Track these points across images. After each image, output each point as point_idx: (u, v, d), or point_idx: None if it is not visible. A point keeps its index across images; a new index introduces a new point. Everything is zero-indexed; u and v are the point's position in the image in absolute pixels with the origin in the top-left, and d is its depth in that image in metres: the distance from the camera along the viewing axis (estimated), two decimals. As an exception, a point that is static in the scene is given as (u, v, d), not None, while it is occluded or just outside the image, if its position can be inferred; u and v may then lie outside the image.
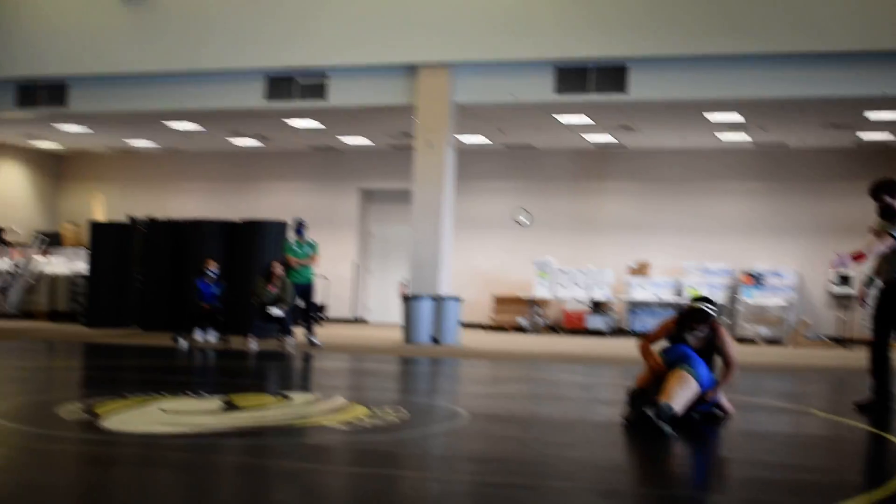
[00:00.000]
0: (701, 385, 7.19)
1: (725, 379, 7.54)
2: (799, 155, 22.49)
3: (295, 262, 16.22)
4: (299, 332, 16.06)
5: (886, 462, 6.09)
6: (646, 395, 7.33)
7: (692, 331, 7.46)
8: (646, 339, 7.63)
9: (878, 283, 8.93)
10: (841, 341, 20.69)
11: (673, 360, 7.30)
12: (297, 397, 8.55)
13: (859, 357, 17.05)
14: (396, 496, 5.01)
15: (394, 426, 7.02)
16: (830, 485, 5.56)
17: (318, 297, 18.96)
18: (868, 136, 20.64)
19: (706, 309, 7.44)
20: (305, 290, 16.32)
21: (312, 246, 16.53)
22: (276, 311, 15.17)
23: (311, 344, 15.64)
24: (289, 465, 5.79)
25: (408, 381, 11.72)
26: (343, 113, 19.95)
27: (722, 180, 23.14)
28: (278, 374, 11.96)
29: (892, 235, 8.61)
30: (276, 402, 8.19)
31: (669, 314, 21.73)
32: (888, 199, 8.84)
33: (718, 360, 7.58)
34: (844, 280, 21.99)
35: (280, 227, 18.26)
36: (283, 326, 15.22)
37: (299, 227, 16.58)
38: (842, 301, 21.81)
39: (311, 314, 16.65)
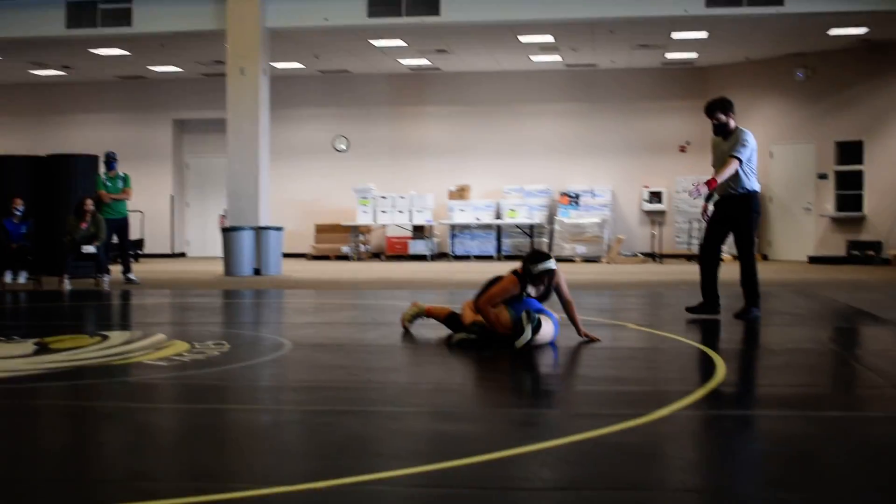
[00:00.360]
0: (554, 335, 7.34)
1: (574, 317, 7.71)
2: (609, 75, 22.99)
3: (107, 197, 15.64)
4: (116, 269, 15.61)
5: (699, 370, 6.35)
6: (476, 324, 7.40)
7: (537, 286, 7.52)
8: (486, 301, 7.46)
9: (716, 197, 9.55)
10: (653, 256, 21.44)
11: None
12: (115, 336, 8.29)
13: (671, 271, 17.76)
14: (224, 430, 4.92)
15: (216, 360, 6.90)
16: (651, 394, 5.75)
17: (135, 233, 18.41)
18: (674, 55, 21.24)
19: (552, 267, 7.51)
20: (120, 225, 15.82)
21: (125, 179, 15.96)
22: (89, 249, 14.64)
23: (129, 281, 15.20)
24: (109, 406, 5.61)
25: (230, 314, 11.54)
26: (150, 40, 19.25)
27: (536, 102, 23.48)
28: (95, 313, 11.58)
29: (736, 158, 9.11)
30: (92, 342, 7.92)
31: (489, 237, 21.47)
32: (722, 117, 9.38)
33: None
34: (656, 197, 22.75)
35: (90, 160, 17.57)
36: (97, 264, 14.72)
37: (110, 161, 15.95)
38: (654, 217, 22.58)
39: (128, 251, 16.18)
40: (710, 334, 8.36)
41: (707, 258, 9.52)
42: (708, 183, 9.06)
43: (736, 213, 9.33)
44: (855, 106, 20.29)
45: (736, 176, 9.17)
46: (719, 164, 9.34)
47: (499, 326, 7.33)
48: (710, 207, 9.57)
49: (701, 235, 9.90)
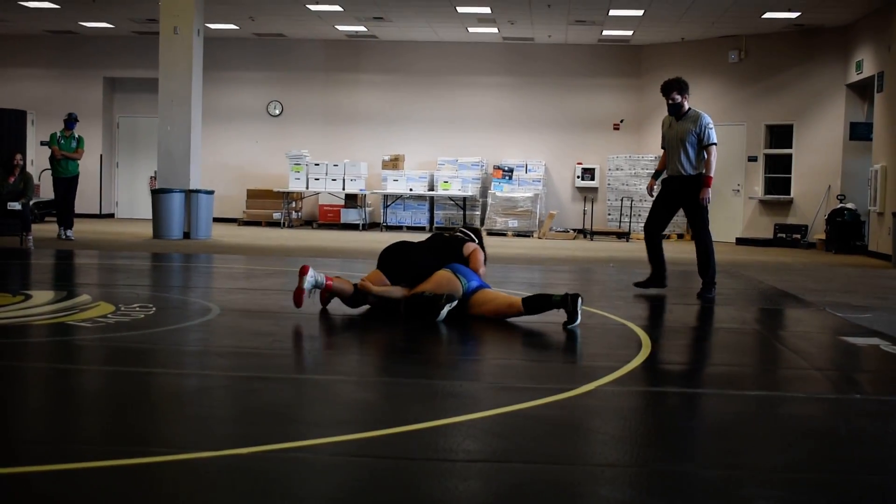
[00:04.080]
0: None
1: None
2: (546, 50, 23.02)
3: (59, 153, 15.99)
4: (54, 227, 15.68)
5: (625, 347, 6.40)
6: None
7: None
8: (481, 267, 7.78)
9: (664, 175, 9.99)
10: (584, 233, 21.59)
11: (478, 285, 7.48)
12: (39, 295, 8.16)
13: (601, 248, 17.89)
14: (148, 393, 4.86)
15: (142, 323, 6.82)
16: (576, 369, 5.80)
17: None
18: (610, 32, 21.32)
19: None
20: (71, 184, 16.27)
21: (79, 141, 16.31)
22: (15, 206, 14.35)
23: (66, 238, 15.58)
24: (31, 366, 5.52)
25: (158, 277, 11.40)
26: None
27: (473, 74, 23.45)
28: (19, 272, 11.37)
29: (714, 144, 9.66)
30: (15, 300, 7.78)
31: (422, 208, 21.43)
32: (678, 98, 9.73)
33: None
34: (588, 173, 22.88)
35: (17, 115, 17.26)
36: (23, 222, 14.43)
37: (70, 121, 16.22)
38: (586, 194, 22.71)
39: (73, 209, 16.30)
40: (637, 311, 8.44)
41: (651, 235, 9.87)
42: (706, 184, 9.55)
43: (689, 193, 9.55)
44: (786, 90, 20.56)
45: (689, 156, 9.44)
46: (672, 145, 9.64)
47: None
48: (657, 185, 9.88)
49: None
